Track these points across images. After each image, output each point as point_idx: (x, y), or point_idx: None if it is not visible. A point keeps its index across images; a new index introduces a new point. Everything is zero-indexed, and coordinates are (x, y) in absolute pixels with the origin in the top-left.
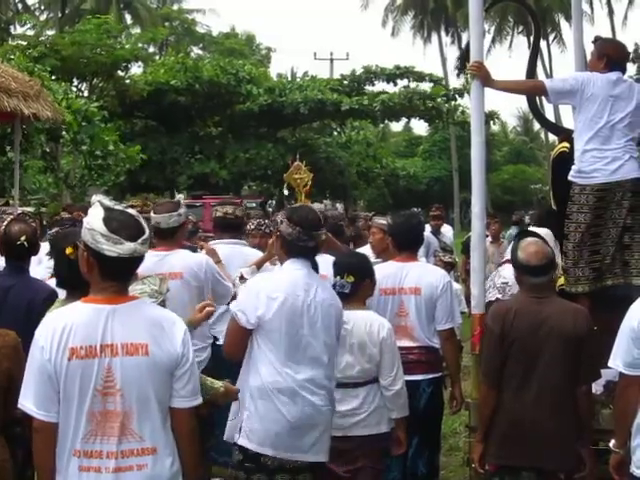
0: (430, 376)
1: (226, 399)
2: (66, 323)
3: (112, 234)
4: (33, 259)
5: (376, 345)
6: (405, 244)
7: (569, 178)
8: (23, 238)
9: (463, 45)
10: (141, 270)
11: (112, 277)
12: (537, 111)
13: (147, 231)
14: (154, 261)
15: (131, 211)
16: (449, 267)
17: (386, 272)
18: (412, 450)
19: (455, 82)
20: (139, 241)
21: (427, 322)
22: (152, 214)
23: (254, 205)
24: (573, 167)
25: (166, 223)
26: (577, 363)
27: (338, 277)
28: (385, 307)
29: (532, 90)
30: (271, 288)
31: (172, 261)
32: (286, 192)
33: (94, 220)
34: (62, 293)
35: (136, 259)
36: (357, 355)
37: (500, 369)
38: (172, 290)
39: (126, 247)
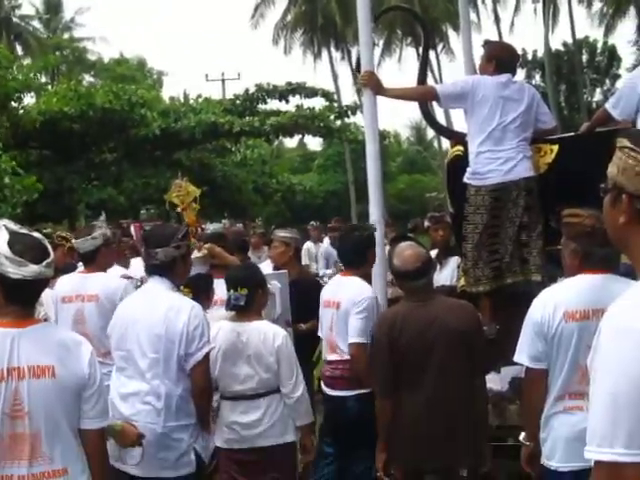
0: (355, 392)
1: (123, 440)
2: None
3: (16, 257)
4: None
5: (272, 354)
6: (345, 258)
7: (464, 180)
8: None
9: (353, 59)
10: (62, 292)
11: (17, 300)
12: (430, 117)
13: (52, 254)
14: (73, 283)
15: (36, 234)
16: None
17: (329, 285)
18: (345, 463)
19: (347, 96)
20: (44, 264)
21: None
22: (72, 240)
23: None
24: (468, 169)
25: (83, 247)
26: (469, 358)
27: (232, 290)
28: (325, 320)
29: (423, 96)
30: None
31: (89, 283)
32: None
33: None
34: None
35: (41, 281)
36: (255, 366)
37: (393, 377)
38: (87, 312)
39: (30, 270)
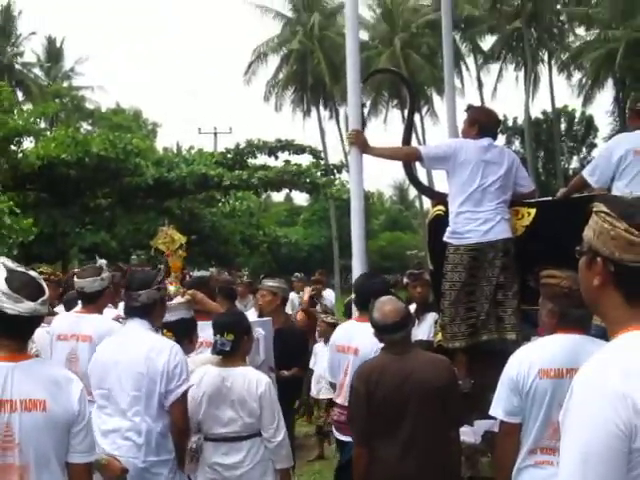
0: None
1: (108, 473)
2: None
3: (14, 293)
4: None
5: (255, 400)
6: (361, 304)
7: (444, 239)
8: None
9: (341, 118)
10: (58, 330)
11: (12, 335)
12: (413, 176)
13: (47, 292)
14: (69, 322)
15: (32, 273)
16: (332, 327)
17: (340, 330)
18: None
19: (334, 153)
20: (39, 301)
21: None
22: (76, 279)
23: None
24: (448, 228)
25: (90, 287)
26: (444, 411)
27: (218, 335)
28: (338, 365)
29: (407, 157)
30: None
31: (84, 324)
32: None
33: None
34: None
35: (35, 318)
36: (238, 410)
37: (370, 428)
38: (80, 352)
39: (26, 306)
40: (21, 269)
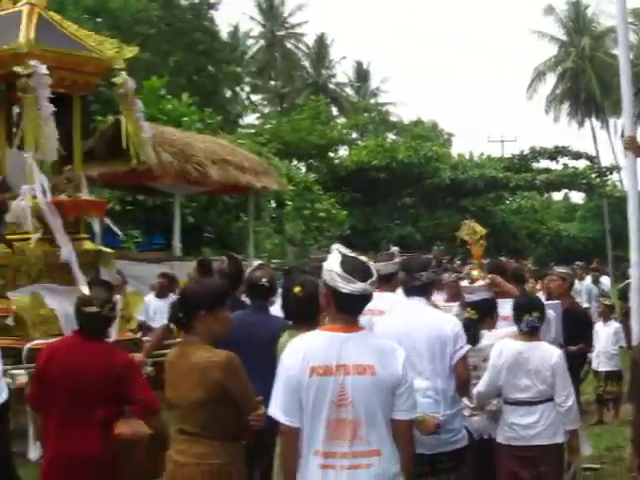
0: None
1: (425, 429)
2: (308, 347)
3: (347, 275)
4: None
5: (548, 370)
6: None
7: None
8: (264, 280)
9: (611, 128)
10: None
11: (345, 310)
12: None
13: (375, 274)
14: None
15: (362, 258)
16: (609, 309)
17: None
18: None
19: (606, 158)
20: (368, 282)
21: None
22: (374, 262)
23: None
24: None
25: (384, 269)
26: None
27: (527, 315)
28: None
29: None
30: None
31: (379, 300)
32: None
33: (333, 263)
34: None
35: (365, 297)
36: (533, 378)
37: None
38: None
39: (358, 286)
40: (353, 254)
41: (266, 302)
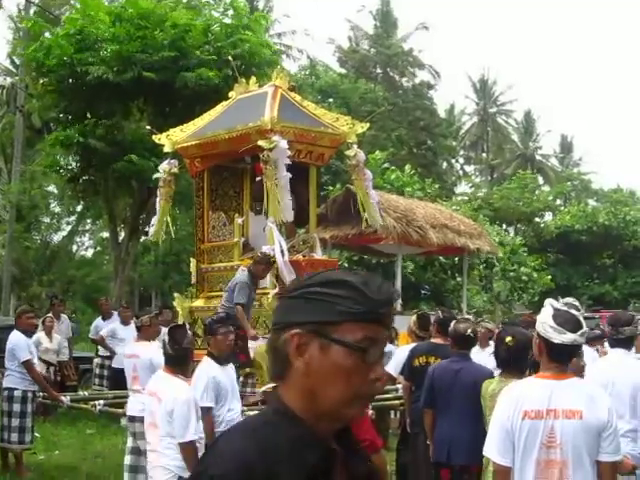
0: None
1: (621, 470)
2: (522, 393)
3: (558, 326)
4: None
5: None
6: None
7: None
8: (469, 331)
9: None
10: None
11: (557, 359)
12: None
13: (585, 327)
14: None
15: (574, 311)
16: None
17: None
18: None
19: None
20: (578, 333)
21: None
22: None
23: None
24: None
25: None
26: None
27: None
28: None
29: None
30: None
31: None
32: None
33: (546, 316)
34: None
35: (575, 347)
36: None
37: None
38: None
39: (568, 337)
40: (565, 308)
41: (469, 351)
